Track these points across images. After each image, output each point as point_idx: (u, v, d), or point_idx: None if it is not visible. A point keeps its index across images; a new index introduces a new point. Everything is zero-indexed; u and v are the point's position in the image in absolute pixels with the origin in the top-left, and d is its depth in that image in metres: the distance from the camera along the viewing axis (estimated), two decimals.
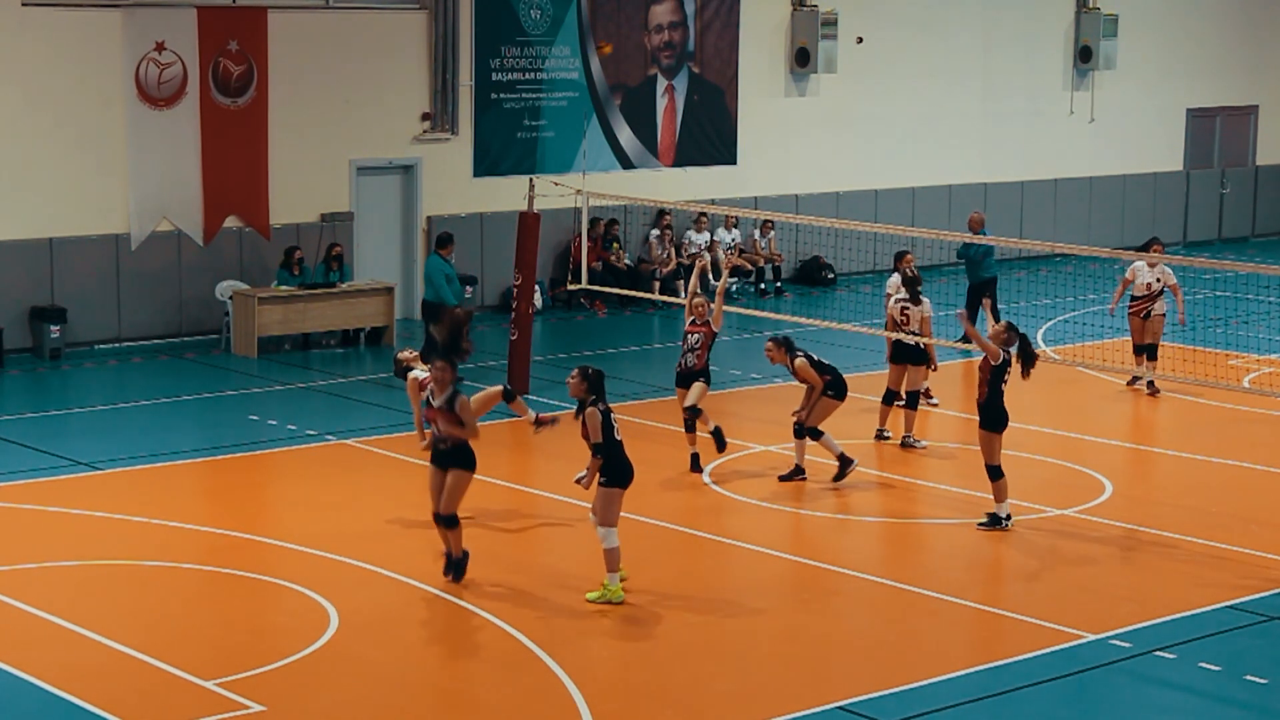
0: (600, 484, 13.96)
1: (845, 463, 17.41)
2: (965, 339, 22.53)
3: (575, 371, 14.13)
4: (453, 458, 14.11)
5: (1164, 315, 21.89)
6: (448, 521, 14.18)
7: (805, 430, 17.35)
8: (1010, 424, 15.90)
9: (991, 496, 16.04)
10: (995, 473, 15.88)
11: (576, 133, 27.84)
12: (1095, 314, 26.72)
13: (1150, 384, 21.74)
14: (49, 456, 18.32)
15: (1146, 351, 21.83)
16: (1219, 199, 36.93)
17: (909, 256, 21.10)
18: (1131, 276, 21.96)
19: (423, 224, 26.85)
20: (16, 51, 23.26)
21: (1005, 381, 15.82)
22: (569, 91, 27.90)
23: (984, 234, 24.33)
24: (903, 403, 19.42)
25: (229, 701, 11.74)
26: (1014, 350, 15.85)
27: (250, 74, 24.79)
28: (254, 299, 23.72)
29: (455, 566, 14.30)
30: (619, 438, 14.04)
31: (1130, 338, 22.31)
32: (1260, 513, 16.86)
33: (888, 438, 19.26)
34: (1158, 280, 21.80)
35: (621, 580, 13.98)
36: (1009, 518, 16.00)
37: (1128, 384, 22.13)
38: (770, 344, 17.45)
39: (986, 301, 19.82)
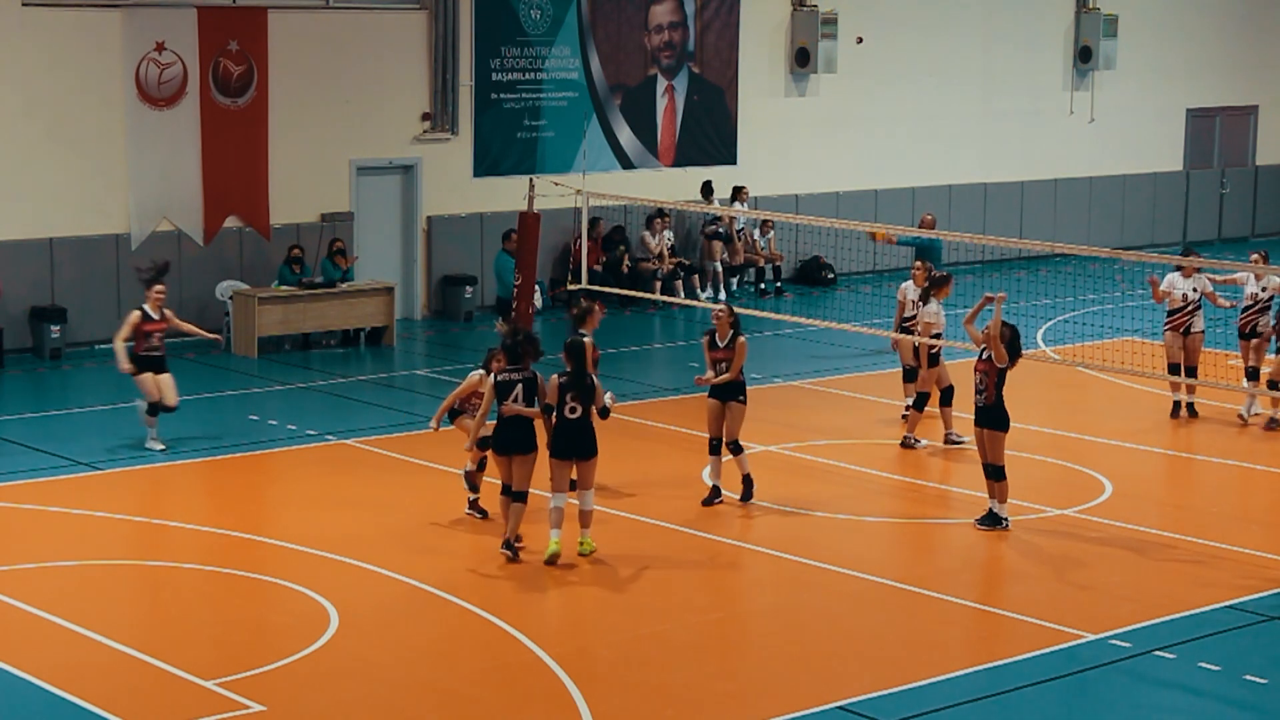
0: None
1: (749, 485, 16.75)
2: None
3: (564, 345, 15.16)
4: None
5: (1203, 332, 20.47)
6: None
7: (739, 446, 16.60)
8: (1020, 426, 15.88)
9: (989, 496, 16.05)
10: (1000, 473, 15.89)
11: (576, 133, 27.84)
12: (1095, 314, 26.71)
13: (1190, 407, 20.50)
14: (49, 456, 18.32)
15: (1186, 373, 20.30)
16: (1219, 199, 36.93)
17: (919, 263, 20.56)
18: (1168, 289, 20.39)
19: (423, 224, 26.86)
20: (16, 52, 23.27)
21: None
22: (569, 91, 27.91)
23: (929, 242, 24.02)
24: (911, 402, 19.41)
25: (229, 701, 11.75)
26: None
27: (250, 74, 24.80)
28: (254, 299, 23.72)
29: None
30: (571, 416, 14.72)
31: (1167, 357, 20.60)
32: (1260, 513, 16.86)
33: (959, 441, 18.96)
34: (1194, 290, 20.33)
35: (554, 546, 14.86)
36: (1007, 520, 16.01)
37: (1172, 415, 20.45)
38: (726, 309, 16.56)
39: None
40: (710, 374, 16.53)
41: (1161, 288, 20.46)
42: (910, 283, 20.26)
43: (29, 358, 23.22)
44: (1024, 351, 16.28)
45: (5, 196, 23.33)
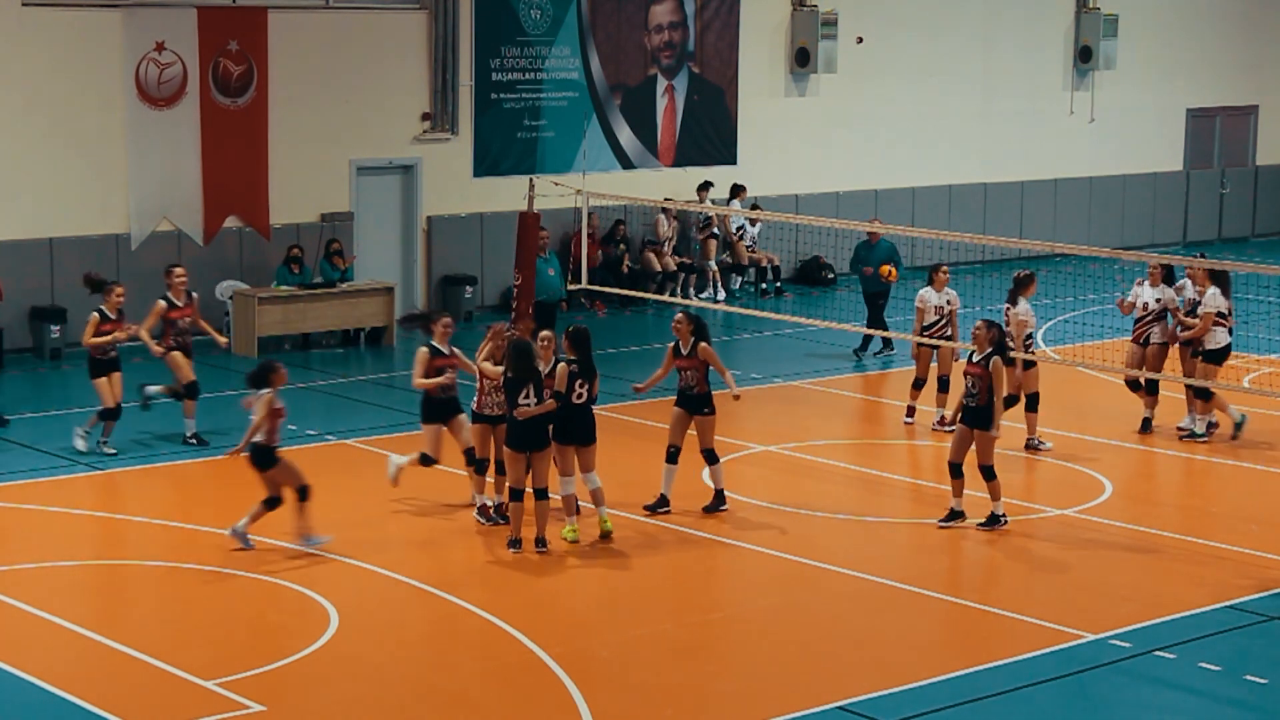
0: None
1: (713, 499, 16.45)
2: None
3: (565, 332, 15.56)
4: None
5: (1164, 344, 19.67)
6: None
7: (714, 456, 16.32)
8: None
9: (988, 496, 16.04)
10: (991, 473, 15.89)
11: (576, 133, 27.84)
12: (1095, 314, 26.70)
13: (1193, 431, 19.61)
14: (49, 456, 18.32)
15: (1145, 387, 19.74)
16: (1219, 199, 36.93)
17: (944, 268, 20.12)
18: (1133, 299, 19.91)
19: (423, 224, 26.86)
20: (16, 52, 23.27)
21: None
22: (569, 91, 27.91)
23: (882, 244, 23.81)
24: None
25: (229, 701, 11.75)
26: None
27: (250, 74, 24.80)
28: (254, 299, 23.73)
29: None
30: (578, 401, 15.18)
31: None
32: (1260, 513, 16.86)
33: (1041, 445, 18.98)
34: (1157, 300, 19.60)
35: (571, 531, 15.39)
36: (1005, 517, 16.02)
37: (1141, 430, 19.83)
38: (684, 317, 16.30)
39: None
40: (652, 379, 16.53)
41: (1128, 299, 19.96)
42: (930, 289, 19.87)
43: (29, 358, 23.22)
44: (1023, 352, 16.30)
45: (5, 196, 23.34)
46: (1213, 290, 19.22)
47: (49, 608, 13.53)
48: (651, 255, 28.16)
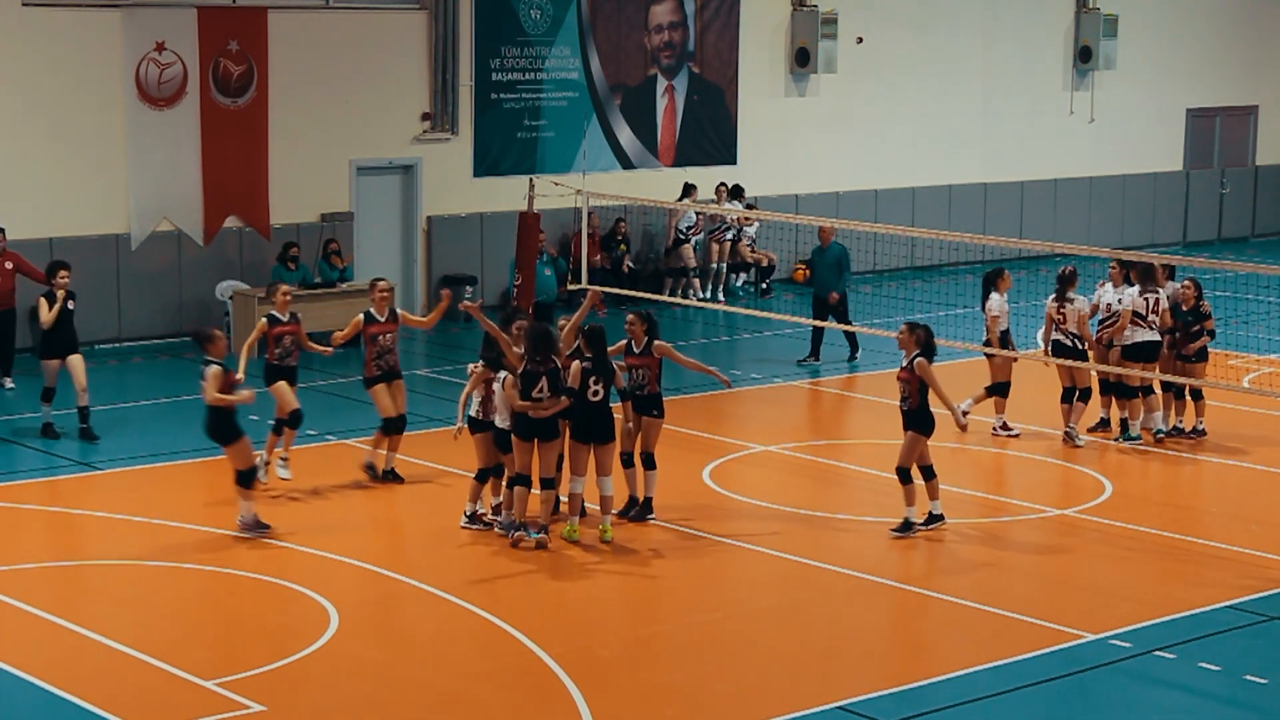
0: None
1: (638, 506, 16.13)
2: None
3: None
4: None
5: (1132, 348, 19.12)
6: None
7: (652, 461, 16.11)
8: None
9: (910, 499, 15.86)
10: (907, 476, 15.77)
11: (576, 133, 27.84)
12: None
13: (1195, 428, 19.46)
14: (49, 456, 18.32)
15: (1115, 391, 19.31)
16: (1219, 199, 36.94)
17: (1006, 274, 19.88)
18: (1096, 301, 19.60)
19: (423, 224, 26.87)
20: (16, 52, 23.28)
21: None
22: (569, 91, 27.92)
23: (834, 247, 23.59)
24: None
25: (229, 701, 11.75)
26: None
27: (250, 74, 24.81)
28: (254, 299, 23.71)
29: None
30: (593, 400, 15.23)
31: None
32: (1260, 513, 16.86)
33: (1074, 436, 19.13)
34: (1119, 301, 19.22)
35: (572, 531, 15.41)
36: (921, 524, 15.82)
37: (1062, 435, 19.29)
38: (636, 318, 16.05)
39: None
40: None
41: (1092, 300, 19.66)
42: (995, 294, 19.52)
43: (29, 358, 23.20)
44: (1019, 352, 16.28)
45: (6, 196, 23.34)
46: (1134, 289, 19.13)
47: (49, 608, 13.54)
48: (687, 250, 28.21)
